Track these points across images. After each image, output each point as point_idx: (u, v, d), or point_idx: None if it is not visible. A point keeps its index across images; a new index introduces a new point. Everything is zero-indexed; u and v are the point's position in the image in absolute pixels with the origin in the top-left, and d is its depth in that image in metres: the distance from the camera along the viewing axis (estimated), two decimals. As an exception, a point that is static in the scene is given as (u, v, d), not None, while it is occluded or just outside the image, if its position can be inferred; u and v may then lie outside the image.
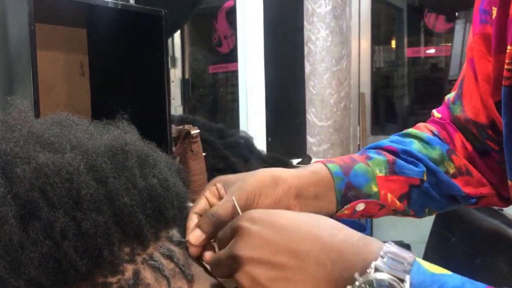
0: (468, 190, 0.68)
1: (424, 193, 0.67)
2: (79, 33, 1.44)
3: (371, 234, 2.53)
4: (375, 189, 0.64)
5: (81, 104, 1.47)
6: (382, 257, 0.40)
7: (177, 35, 3.01)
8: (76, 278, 0.40)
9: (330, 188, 0.61)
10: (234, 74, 2.70)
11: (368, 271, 0.40)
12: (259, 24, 2.22)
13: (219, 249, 0.48)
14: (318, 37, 2.38)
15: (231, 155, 1.72)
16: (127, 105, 1.43)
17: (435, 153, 0.68)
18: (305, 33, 2.42)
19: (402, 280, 0.39)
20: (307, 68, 2.43)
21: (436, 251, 1.90)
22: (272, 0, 2.27)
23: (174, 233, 0.49)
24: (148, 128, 1.44)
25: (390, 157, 0.66)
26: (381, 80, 3.16)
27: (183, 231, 0.51)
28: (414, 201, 0.67)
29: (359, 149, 2.47)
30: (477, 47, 0.64)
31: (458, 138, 0.69)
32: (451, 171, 0.68)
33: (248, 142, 1.94)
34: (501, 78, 0.59)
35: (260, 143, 2.15)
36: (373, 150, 0.68)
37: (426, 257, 1.93)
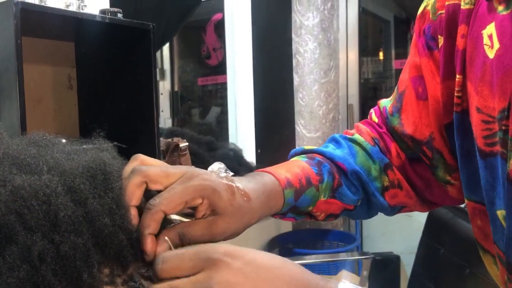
0: (394, 202, 0.73)
1: (351, 214, 0.73)
2: (67, 46, 1.44)
3: (361, 245, 2.53)
4: (310, 208, 0.67)
5: (69, 118, 1.46)
6: None
7: (166, 47, 3.02)
8: None
9: (277, 207, 0.62)
10: (223, 86, 2.71)
11: None
12: (248, 37, 2.24)
13: (170, 276, 0.43)
14: (306, 49, 2.40)
15: (220, 167, 1.71)
16: (115, 118, 1.43)
17: (374, 169, 0.72)
18: (293, 45, 2.43)
19: None
20: (296, 80, 2.44)
21: (425, 262, 1.91)
22: (261, 13, 2.28)
23: None
24: (136, 141, 1.44)
25: (336, 181, 0.68)
26: (369, 92, 3.18)
27: None
28: (337, 217, 0.73)
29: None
30: (428, 69, 0.67)
31: (394, 148, 0.73)
32: (385, 184, 0.72)
33: (237, 154, 1.94)
34: (450, 102, 0.64)
35: (250, 155, 2.16)
36: (328, 166, 0.68)
37: (415, 268, 1.94)
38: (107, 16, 1.19)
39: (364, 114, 2.83)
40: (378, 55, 3.31)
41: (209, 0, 2.59)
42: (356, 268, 2.24)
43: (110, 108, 1.38)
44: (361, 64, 2.87)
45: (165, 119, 2.95)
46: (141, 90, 1.30)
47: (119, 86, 1.37)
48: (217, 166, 0.57)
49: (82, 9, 1.29)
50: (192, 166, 0.56)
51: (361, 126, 0.77)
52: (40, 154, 0.45)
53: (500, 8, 0.55)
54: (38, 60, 1.38)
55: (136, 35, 1.27)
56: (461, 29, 0.60)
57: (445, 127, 0.67)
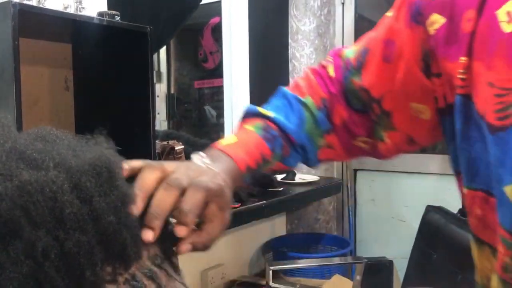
0: (323, 158, 0.83)
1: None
2: (64, 48, 1.45)
3: (354, 250, 2.54)
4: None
5: (65, 119, 1.47)
6: None
7: (162, 50, 3.02)
8: None
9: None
10: (220, 89, 2.71)
11: None
12: (245, 41, 2.24)
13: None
14: (302, 54, 2.41)
15: (215, 170, 1.72)
16: (111, 120, 1.43)
17: (317, 134, 0.80)
18: (290, 50, 2.44)
19: None
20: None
21: (418, 267, 1.91)
22: (258, 17, 2.30)
23: (157, 252, 0.49)
24: (132, 144, 1.45)
25: (285, 152, 0.76)
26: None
27: (163, 250, 0.51)
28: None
29: (342, 164, 2.49)
30: (409, 40, 0.70)
31: (338, 109, 0.80)
32: (322, 145, 0.81)
33: (232, 158, 1.95)
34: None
35: (245, 159, 2.16)
36: (280, 140, 0.75)
37: (408, 273, 1.94)
38: (105, 19, 1.20)
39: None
40: (374, 60, 3.33)
41: (207, 4, 2.60)
42: (349, 273, 2.24)
43: (106, 110, 1.39)
44: (357, 69, 2.87)
45: (161, 122, 2.95)
46: (138, 92, 1.31)
47: (115, 89, 1.38)
48: (199, 157, 0.62)
49: (80, 11, 1.30)
50: (200, 156, 0.63)
51: (314, 82, 0.82)
52: (46, 149, 0.45)
53: None
54: (35, 61, 1.39)
55: (133, 38, 1.28)
56: (469, 13, 0.62)
57: (440, 111, 0.69)
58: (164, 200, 0.51)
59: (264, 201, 1.71)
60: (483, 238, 0.65)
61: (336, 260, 2.18)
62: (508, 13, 0.58)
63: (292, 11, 2.42)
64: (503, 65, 0.58)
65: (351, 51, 0.80)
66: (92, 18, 1.17)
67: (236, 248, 2.10)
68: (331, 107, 0.80)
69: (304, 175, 2.27)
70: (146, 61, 1.28)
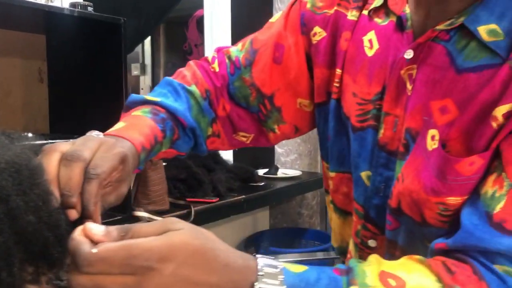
0: (211, 147, 0.88)
1: (179, 155, 0.84)
2: (38, 39, 1.42)
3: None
4: (152, 158, 0.76)
5: (39, 111, 1.44)
6: (262, 275, 0.49)
7: (147, 42, 2.99)
8: None
9: (134, 168, 0.66)
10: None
11: None
12: (227, 33, 2.22)
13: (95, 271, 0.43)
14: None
15: (194, 165, 1.70)
16: (85, 112, 1.40)
17: (203, 121, 0.83)
18: (275, 43, 2.42)
19: None
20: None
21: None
22: (240, 9, 2.27)
23: None
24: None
25: (176, 135, 0.77)
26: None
27: None
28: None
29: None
30: (296, 46, 0.82)
31: (222, 102, 0.86)
32: (209, 134, 0.85)
33: (213, 152, 1.93)
34: (324, 85, 0.81)
35: (227, 153, 2.14)
36: (170, 123, 0.75)
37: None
38: (76, 10, 1.18)
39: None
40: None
41: (192, -4, 2.58)
42: (331, 268, 2.24)
43: (80, 102, 1.36)
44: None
45: (145, 114, 2.92)
46: (112, 84, 1.29)
47: (90, 80, 1.35)
48: (96, 133, 0.62)
49: (52, 2, 1.27)
50: (96, 133, 0.62)
51: (198, 73, 0.86)
52: None
53: (379, 20, 0.75)
54: (7, 52, 1.36)
55: (107, 30, 1.25)
56: (345, 34, 0.78)
57: (317, 105, 0.83)
58: (68, 176, 0.49)
59: (243, 196, 1.70)
60: (349, 210, 0.81)
61: (319, 255, 2.18)
62: (370, 40, 0.75)
63: (277, 4, 2.40)
64: (365, 82, 0.74)
65: (237, 50, 0.88)
66: (63, 8, 1.14)
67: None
68: (216, 99, 0.85)
69: (287, 170, 2.26)
70: (120, 52, 1.26)
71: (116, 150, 0.56)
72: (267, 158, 2.40)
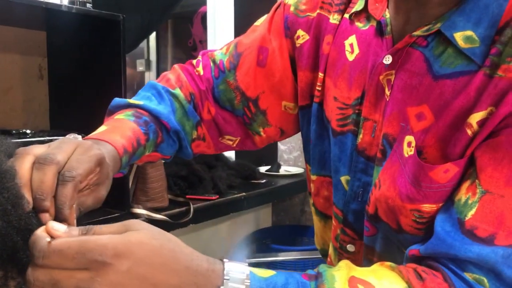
0: (197, 150, 0.87)
1: (165, 159, 0.84)
2: (39, 35, 1.42)
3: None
4: (135, 162, 0.75)
5: (39, 107, 1.44)
6: (228, 279, 0.49)
7: (153, 38, 2.99)
8: None
9: (115, 172, 0.65)
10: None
11: None
12: (230, 29, 2.22)
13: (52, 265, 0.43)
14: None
15: (195, 162, 1.70)
16: (85, 108, 1.40)
17: (188, 125, 0.83)
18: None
19: None
20: (280, 75, 2.42)
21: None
22: (243, 6, 2.26)
23: None
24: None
25: (159, 138, 0.77)
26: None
27: None
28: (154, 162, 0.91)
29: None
30: (280, 49, 0.82)
31: (206, 105, 0.86)
32: (194, 137, 0.85)
33: (215, 149, 1.92)
34: (307, 89, 0.81)
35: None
36: (153, 126, 0.74)
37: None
38: (74, 6, 1.17)
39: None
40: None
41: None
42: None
43: (80, 98, 1.36)
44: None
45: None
46: (111, 80, 1.29)
47: (90, 77, 1.35)
48: (73, 136, 0.63)
49: (51, -2, 1.27)
50: (74, 136, 0.62)
51: (182, 76, 0.85)
52: None
53: (360, 25, 0.74)
54: (7, 48, 1.36)
55: (106, 26, 1.25)
56: (328, 38, 0.77)
57: (300, 108, 0.83)
58: (40, 179, 0.49)
59: (244, 193, 1.69)
60: (327, 214, 0.81)
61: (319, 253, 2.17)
62: (351, 44, 0.74)
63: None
64: (345, 86, 0.74)
65: (221, 53, 0.88)
66: (61, 5, 1.14)
67: (219, 240, 2.09)
68: (201, 103, 0.85)
69: (289, 167, 2.25)
70: (119, 49, 1.25)
71: (92, 152, 0.55)
72: (270, 155, 2.39)
